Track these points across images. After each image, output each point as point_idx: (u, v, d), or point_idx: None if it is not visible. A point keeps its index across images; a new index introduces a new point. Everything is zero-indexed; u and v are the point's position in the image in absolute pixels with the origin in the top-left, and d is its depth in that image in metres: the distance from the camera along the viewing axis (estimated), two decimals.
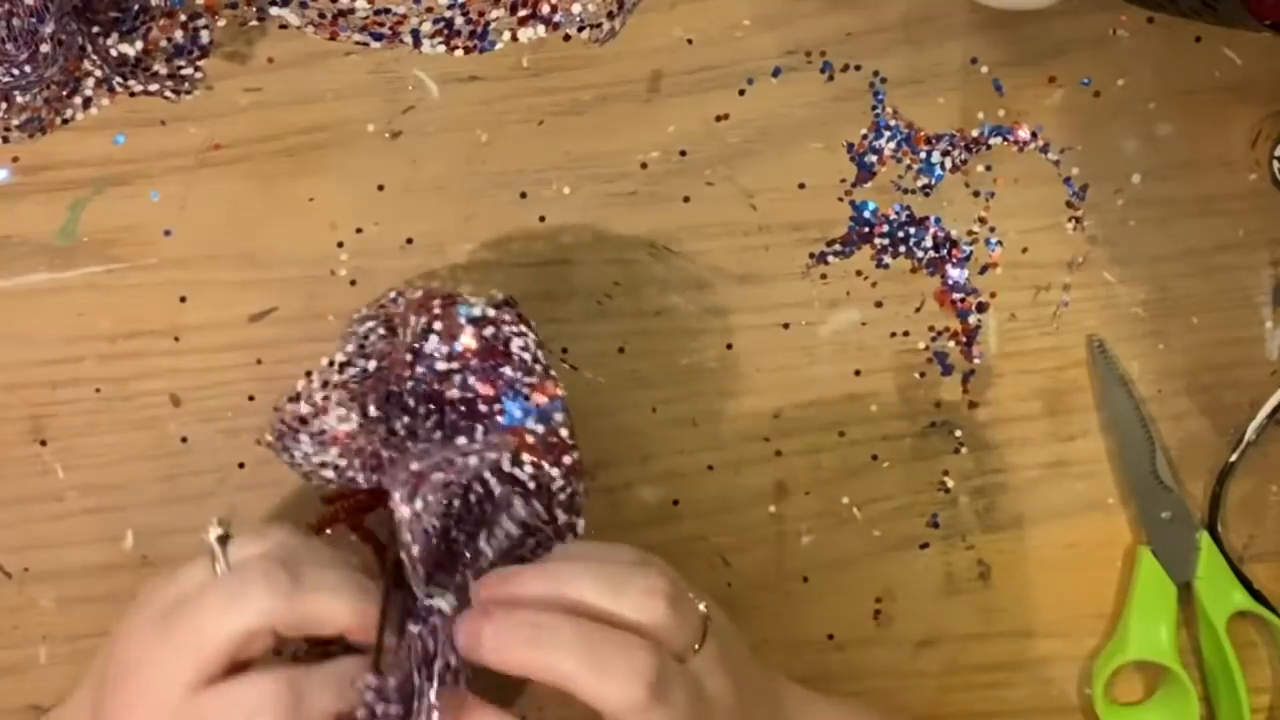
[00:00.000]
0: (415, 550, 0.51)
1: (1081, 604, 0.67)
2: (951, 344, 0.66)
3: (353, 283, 0.64)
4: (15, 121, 0.60)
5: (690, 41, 0.65)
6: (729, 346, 0.66)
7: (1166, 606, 0.66)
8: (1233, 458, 0.66)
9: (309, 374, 0.58)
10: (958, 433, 0.66)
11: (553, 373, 0.55)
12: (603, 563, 0.52)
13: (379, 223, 0.64)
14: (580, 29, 0.63)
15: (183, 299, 0.64)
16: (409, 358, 0.55)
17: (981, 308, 0.66)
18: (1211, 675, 0.67)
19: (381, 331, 0.58)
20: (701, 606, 0.52)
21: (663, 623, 0.50)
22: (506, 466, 0.53)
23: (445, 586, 0.52)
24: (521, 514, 0.54)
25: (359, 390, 0.56)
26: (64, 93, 0.61)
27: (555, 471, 0.54)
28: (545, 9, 0.62)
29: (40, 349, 0.64)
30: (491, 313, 0.55)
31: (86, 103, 0.62)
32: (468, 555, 0.53)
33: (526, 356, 0.55)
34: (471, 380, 0.54)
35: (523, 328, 0.56)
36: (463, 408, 0.55)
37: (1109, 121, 0.66)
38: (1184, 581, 0.66)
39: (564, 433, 0.54)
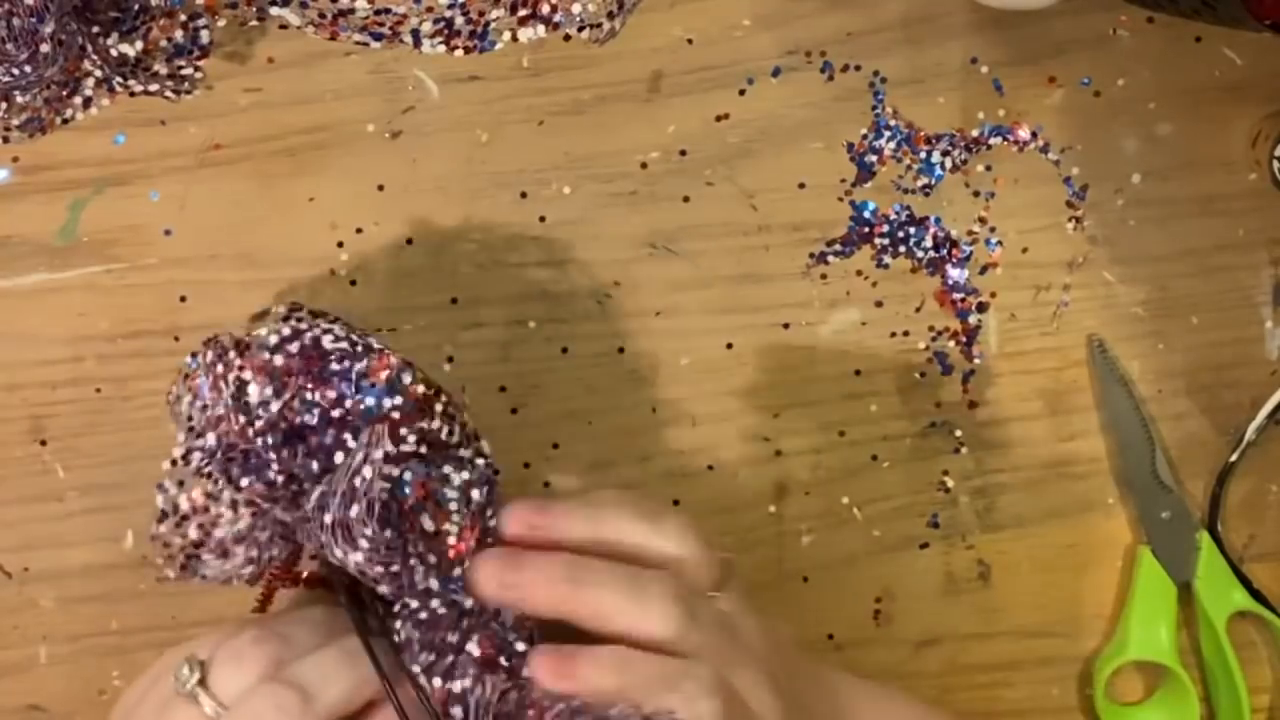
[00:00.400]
0: (381, 583, 0.51)
1: (1081, 604, 0.67)
2: (951, 344, 0.66)
3: (353, 283, 0.64)
4: (15, 121, 0.60)
5: (690, 41, 0.65)
6: (729, 346, 0.66)
7: (1166, 606, 0.66)
8: (1233, 458, 0.66)
9: (161, 487, 0.55)
10: (958, 433, 0.66)
11: (376, 344, 0.54)
12: (635, 502, 0.53)
13: (379, 223, 0.64)
14: (580, 29, 0.63)
15: (183, 299, 0.64)
16: (241, 419, 0.53)
17: (981, 308, 0.66)
18: (1211, 675, 0.67)
19: (198, 404, 0.55)
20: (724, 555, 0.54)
21: (695, 556, 0.52)
22: (393, 451, 0.52)
23: (415, 585, 0.52)
24: (433, 472, 0.53)
25: (218, 471, 0.53)
26: (64, 93, 0.60)
27: (436, 424, 0.53)
28: (545, 9, 0.62)
29: (40, 349, 0.64)
30: (287, 331, 0.54)
31: (86, 103, 0.61)
32: (421, 547, 0.52)
33: (344, 345, 0.53)
34: (311, 397, 0.53)
35: (321, 322, 0.55)
36: (319, 426, 0.53)
37: (1109, 121, 0.66)
38: (1184, 581, 0.66)
39: (420, 388, 0.53)
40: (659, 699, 0.49)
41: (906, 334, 0.66)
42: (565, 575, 0.50)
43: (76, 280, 0.64)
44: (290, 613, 0.55)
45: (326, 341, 0.53)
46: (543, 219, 0.65)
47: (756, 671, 0.52)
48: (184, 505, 0.54)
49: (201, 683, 0.49)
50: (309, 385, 0.53)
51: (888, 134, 0.65)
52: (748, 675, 0.51)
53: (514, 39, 0.63)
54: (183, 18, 0.61)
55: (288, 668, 0.50)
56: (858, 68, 0.65)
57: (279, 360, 0.53)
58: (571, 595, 0.50)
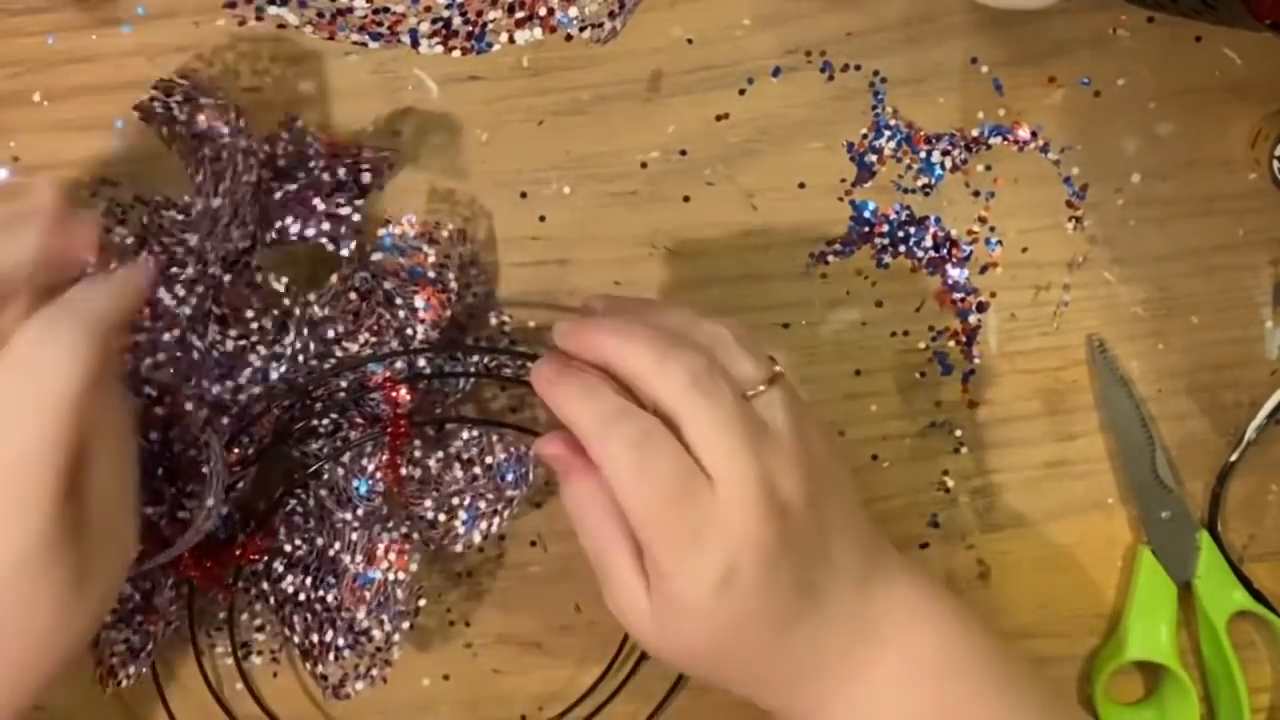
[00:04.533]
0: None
1: (1081, 604, 0.67)
2: (951, 344, 0.66)
3: None
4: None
5: (690, 41, 0.65)
6: None
7: (1166, 606, 0.66)
8: (1233, 458, 0.66)
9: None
10: (958, 433, 0.66)
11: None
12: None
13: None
14: (582, 29, 0.63)
15: None
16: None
17: (981, 308, 0.66)
18: (1211, 675, 0.67)
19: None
20: (777, 367, 0.53)
21: (729, 349, 0.52)
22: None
23: None
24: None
25: None
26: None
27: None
28: (542, 10, 0.62)
29: None
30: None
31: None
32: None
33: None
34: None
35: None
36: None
37: (1109, 121, 0.66)
38: (1184, 581, 0.66)
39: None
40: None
41: (906, 334, 0.66)
42: (613, 330, 0.52)
43: None
44: None
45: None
46: (543, 219, 0.65)
47: (784, 454, 0.51)
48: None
49: None
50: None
51: (888, 134, 0.65)
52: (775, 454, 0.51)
53: (511, 40, 0.63)
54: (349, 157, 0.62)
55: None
56: (858, 68, 0.65)
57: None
58: (615, 351, 0.51)
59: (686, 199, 0.65)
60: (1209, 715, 0.67)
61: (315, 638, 0.60)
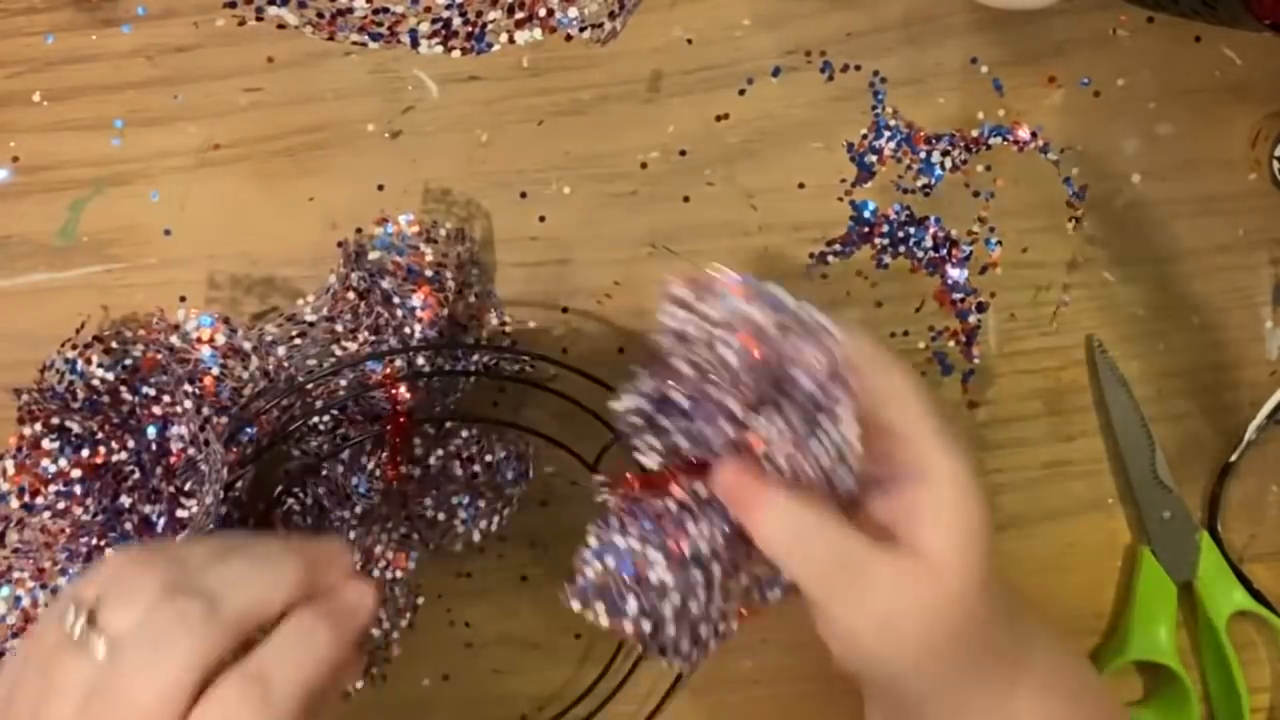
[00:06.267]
0: None
1: (1081, 604, 0.67)
2: (951, 344, 0.66)
3: None
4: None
5: (690, 41, 0.65)
6: None
7: (1166, 606, 0.66)
8: (1233, 458, 0.66)
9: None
10: None
11: None
12: None
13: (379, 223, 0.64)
14: (582, 29, 0.63)
15: (182, 299, 0.64)
16: None
17: (981, 308, 0.66)
18: (1211, 675, 0.67)
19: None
20: None
21: None
22: None
23: None
24: None
25: None
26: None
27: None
28: (542, 10, 0.62)
29: (40, 349, 0.64)
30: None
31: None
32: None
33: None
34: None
35: None
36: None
37: (1109, 121, 0.66)
38: (1184, 581, 0.66)
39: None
40: None
41: (906, 334, 0.66)
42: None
43: (76, 280, 0.64)
44: (182, 541, 0.53)
45: None
46: (543, 219, 0.65)
47: None
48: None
49: (91, 622, 0.43)
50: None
51: (888, 134, 0.65)
52: None
53: (510, 41, 0.63)
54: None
55: (194, 578, 0.45)
56: (858, 68, 0.65)
57: None
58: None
59: (686, 199, 0.65)
60: (1209, 715, 0.67)
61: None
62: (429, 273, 0.60)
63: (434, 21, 0.63)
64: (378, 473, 0.60)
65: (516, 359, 0.62)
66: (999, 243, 0.66)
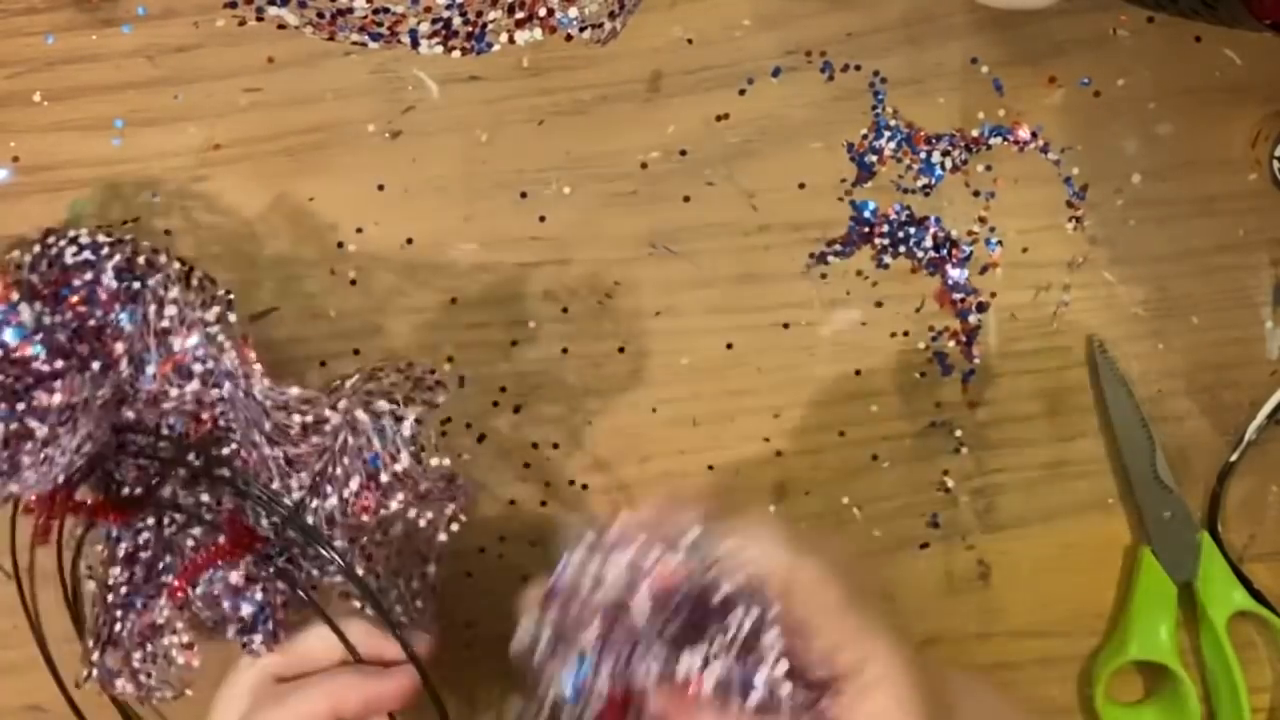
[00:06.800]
0: None
1: (1081, 604, 0.67)
2: (951, 344, 0.66)
3: (353, 282, 0.64)
4: None
5: (690, 41, 0.65)
6: (729, 346, 0.66)
7: (1166, 606, 0.66)
8: (1233, 458, 0.66)
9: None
10: (958, 433, 0.66)
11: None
12: None
13: (379, 223, 0.64)
14: (582, 29, 0.63)
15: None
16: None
17: (981, 308, 0.66)
18: (1211, 675, 0.67)
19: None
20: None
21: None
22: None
23: None
24: None
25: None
26: None
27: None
28: (542, 10, 0.62)
29: None
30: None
31: None
32: None
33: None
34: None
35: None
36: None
37: (1109, 121, 0.66)
38: (1184, 581, 0.66)
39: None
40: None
41: (906, 334, 0.66)
42: None
43: None
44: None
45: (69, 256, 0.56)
46: (543, 219, 0.65)
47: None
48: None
49: None
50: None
51: (888, 134, 0.65)
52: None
53: (510, 40, 0.63)
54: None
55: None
56: (858, 68, 0.65)
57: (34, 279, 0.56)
58: None
59: (686, 199, 0.65)
60: (1209, 715, 0.67)
61: (94, 641, 0.59)
62: (385, 476, 0.56)
63: (434, 21, 0.63)
64: (176, 573, 0.59)
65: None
66: (999, 243, 0.66)
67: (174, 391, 0.57)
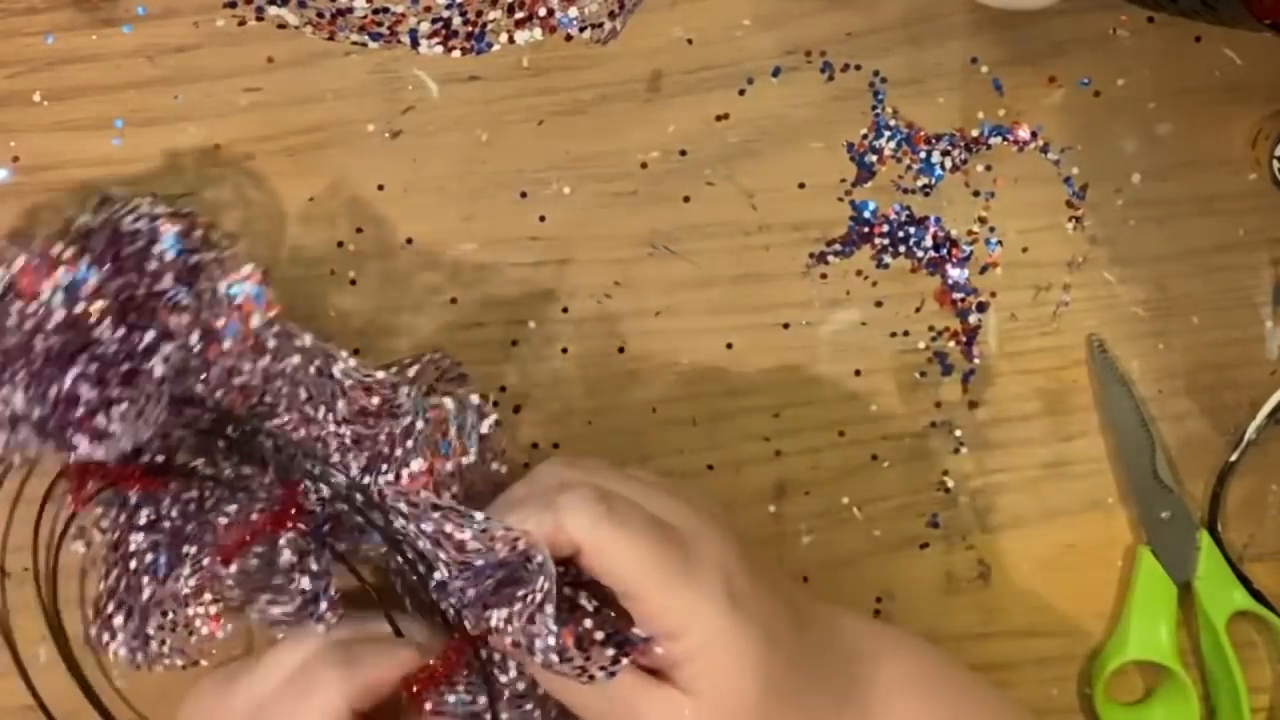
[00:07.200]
0: None
1: (1081, 604, 0.67)
2: (951, 344, 0.66)
3: (353, 283, 0.64)
4: None
5: (690, 41, 0.65)
6: (729, 346, 0.66)
7: (1166, 606, 0.66)
8: (1233, 458, 0.66)
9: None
10: (958, 433, 0.66)
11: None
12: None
13: (379, 223, 0.64)
14: (582, 29, 0.63)
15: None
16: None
17: (981, 308, 0.66)
18: (1211, 675, 0.67)
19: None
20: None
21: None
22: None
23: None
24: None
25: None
26: None
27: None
28: (542, 10, 0.62)
29: None
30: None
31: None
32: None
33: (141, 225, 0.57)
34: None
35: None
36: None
37: (1109, 121, 0.66)
38: (1184, 581, 0.66)
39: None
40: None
41: (906, 334, 0.66)
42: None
43: None
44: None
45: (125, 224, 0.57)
46: (543, 219, 0.65)
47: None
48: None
49: None
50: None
51: (888, 134, 0.65)
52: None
53: (510, 40, 0.63)
54: None
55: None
56: (858, 68, 0.65)
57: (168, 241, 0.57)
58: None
59: (686, 199, 0.65)
60: (1209, 715, 0.67)
61: (110, 605, 0.59)
62: (450, 465, 0.58)
63: (434, 21, 0.63)
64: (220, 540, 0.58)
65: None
66: (999, 243, 0.66)
67: (247, 366, 0.57)
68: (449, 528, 0.53)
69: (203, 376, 0.58)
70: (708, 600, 0.52)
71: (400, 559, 0.57)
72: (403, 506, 0.55)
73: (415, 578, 0.57)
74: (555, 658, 0.52)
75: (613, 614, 0.54)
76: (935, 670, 0.59)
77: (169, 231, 0.57)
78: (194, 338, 0.57)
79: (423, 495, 0.55)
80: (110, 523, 0.60)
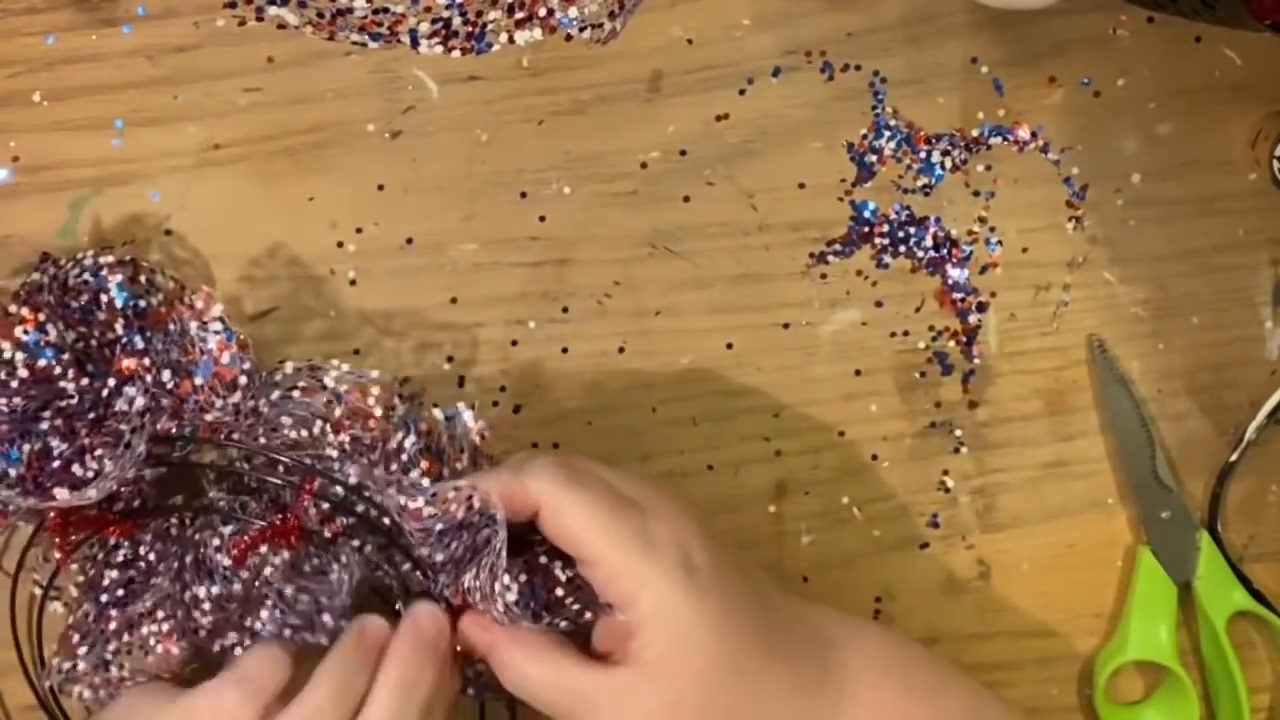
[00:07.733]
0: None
1: (1081, 604, 0.67)
2: (951, 344, 0.66)
3: (353, 283, 0.64)
4: None
5: (690, 41, 0.65)
6: (729, 346, 0.66)
7: (1166, 606, 0.66)
8: (1233, 458, 0.66)
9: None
10: (958, 433, 0.66)
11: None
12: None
13: (379, 223, 0.64)
14: (582, 29, 0.63)
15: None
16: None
17: (981, 308, 0.66)
18: (1211, 675, 0.67)
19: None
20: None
21: None
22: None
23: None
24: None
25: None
26: None
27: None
28: (542, 10, 0.62)
29: None
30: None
31: None
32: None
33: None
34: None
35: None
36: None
37: (1109, 121, 0.66)
38: (1184, 581, 0.66)
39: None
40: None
41: (906, 334, 0.66)
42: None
43: None
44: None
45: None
46: (543, 219, 0.65)
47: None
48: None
49: None
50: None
51: (888, 134, 0.65)
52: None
53: (510, 40, 0.63)
54: None
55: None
56: (858, 68, 0.65)
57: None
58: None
59: (686, 199, 0.65)
60: (1209, 715, 0.67)
61: (96, 642, 0.60)
62: (445, 471, 0.60)
63: (434, 21, 0.63)
64: (228, 544, 0.59)
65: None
66: (999, 243, 0.66)
67: (218, 402, 0.58)
68: (403, 499, 0.54)
69: (176, 414, 0.59)
70: (660, 570, 0.53)
71: (399, 554, 0.58)
72: (370, 488, 0.56)
73: (407, 566, 0.58)
74: (515, 601, 0.54)
75: (582, 586, 0.55)
76: (908, 657, 0.59)
77: (114, 280, 0.59)
78: (166, 375, 0.58)
79: (376, 474, 0.56)
80: (87, 560, 0.61)
